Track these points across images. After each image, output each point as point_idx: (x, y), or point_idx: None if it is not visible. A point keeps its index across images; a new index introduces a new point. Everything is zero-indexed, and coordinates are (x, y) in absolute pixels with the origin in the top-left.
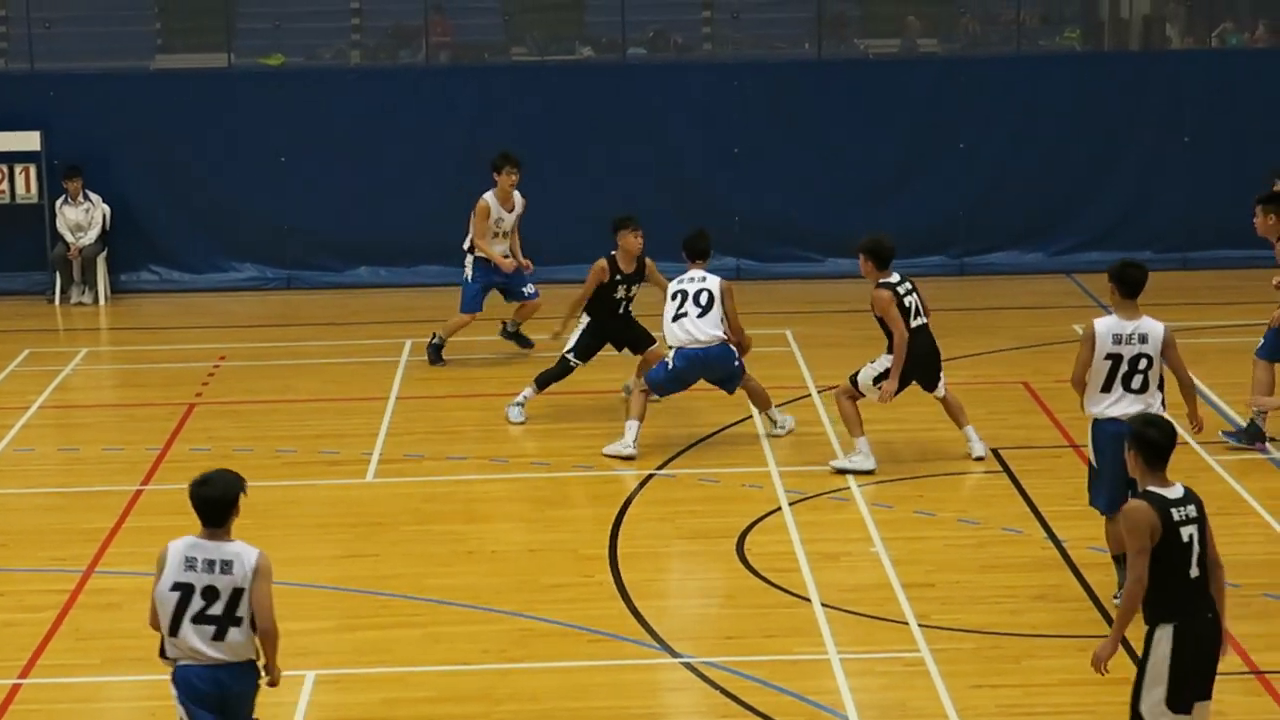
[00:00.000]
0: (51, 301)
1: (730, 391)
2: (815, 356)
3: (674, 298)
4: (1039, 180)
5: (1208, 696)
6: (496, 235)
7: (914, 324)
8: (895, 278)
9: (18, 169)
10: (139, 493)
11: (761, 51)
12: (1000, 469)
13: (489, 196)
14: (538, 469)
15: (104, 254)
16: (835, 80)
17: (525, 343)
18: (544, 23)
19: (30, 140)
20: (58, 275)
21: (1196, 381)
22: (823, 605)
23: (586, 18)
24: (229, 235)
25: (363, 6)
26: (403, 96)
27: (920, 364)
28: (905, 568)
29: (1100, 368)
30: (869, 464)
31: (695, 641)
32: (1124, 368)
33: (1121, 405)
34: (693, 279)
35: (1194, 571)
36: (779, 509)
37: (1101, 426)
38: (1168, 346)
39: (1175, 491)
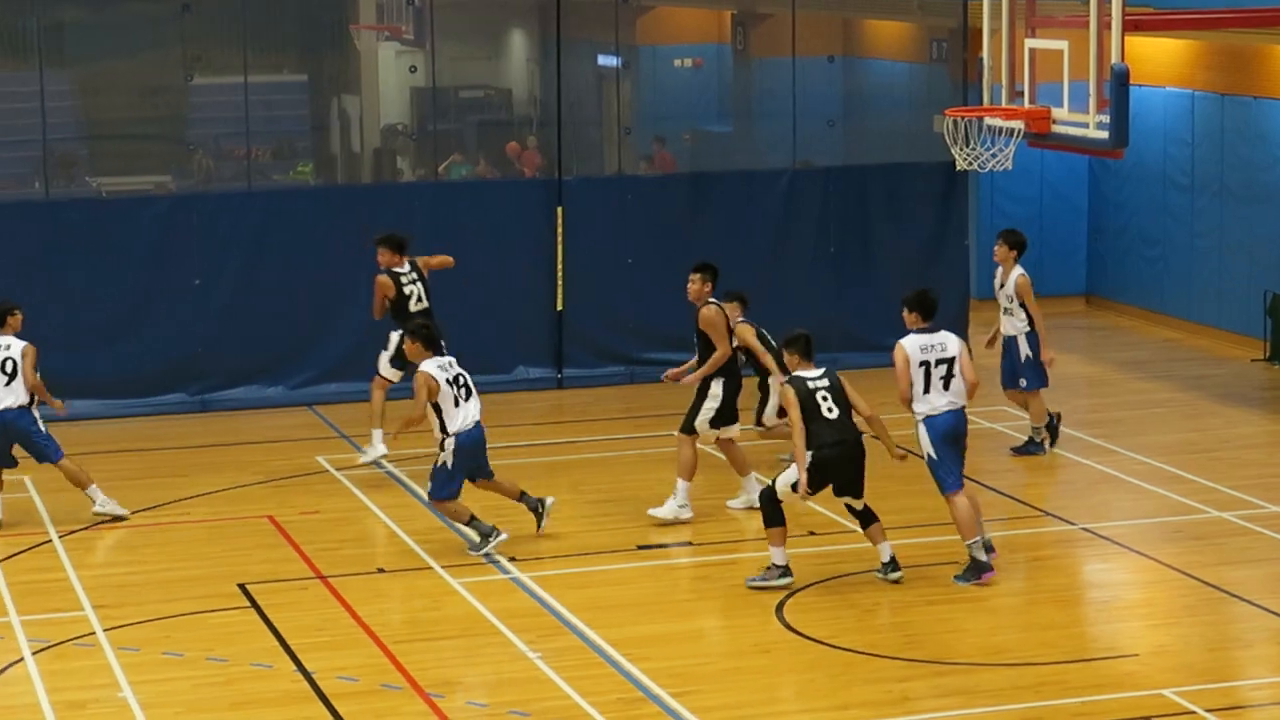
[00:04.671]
0: None
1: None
2: (53, 501)
3: None
4: (276, 313)
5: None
6: None
7: None
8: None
9: None
10: None
11: None
12: (248, 604)
13: None
14: None
15: None
16: (65, 219)
17: None
18: None
19: None
20: None
21: None
22: None
23: None
24: None
25: None
26: None
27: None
28: (154, 710)
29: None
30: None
31: None
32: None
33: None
34: None
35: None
36: (21, 659)
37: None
38: None
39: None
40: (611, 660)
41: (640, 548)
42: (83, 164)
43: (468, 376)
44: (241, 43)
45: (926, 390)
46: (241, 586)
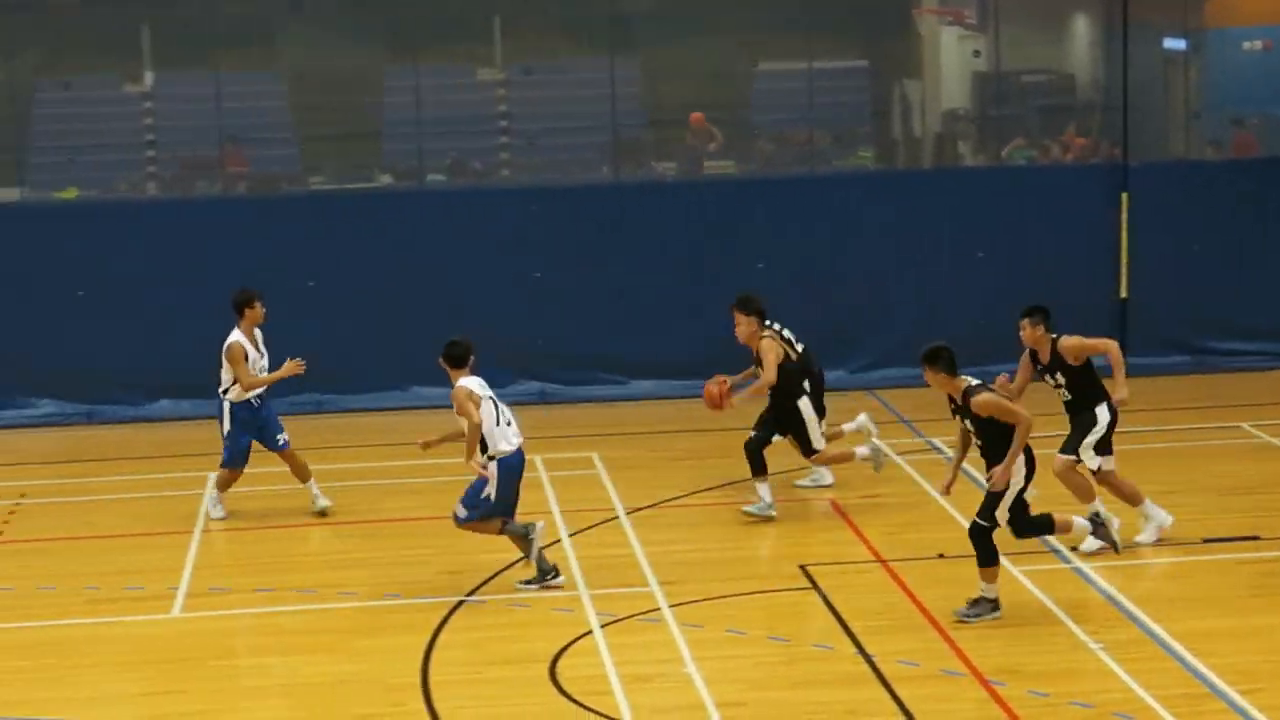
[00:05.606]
0: None
1: None
2: (621, 478)
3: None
4: (840, 297)
5: None
6: None
7: None
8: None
9: None
10: None
11: (558, 175)
12: (809, 585)
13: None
14: (346, 599)
15: None
16: (631, 202)
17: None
18: (340, 151)
19: None
20: None
21: None
22: None
23: (384, 145)
24: (25, 371)
25: (158, 138)
26: (200, 227)
27: None
28: (718, 687)
29: None
30: None
31: None
32: None
33: None
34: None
35: None
36: (590, 632)
37: None
38: None
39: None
40: (1175, 654)
41: (1205, 540)
42: (648, 149)
43: (506, 406)
44: (804, 28)
45: None
46: (803, 568)
